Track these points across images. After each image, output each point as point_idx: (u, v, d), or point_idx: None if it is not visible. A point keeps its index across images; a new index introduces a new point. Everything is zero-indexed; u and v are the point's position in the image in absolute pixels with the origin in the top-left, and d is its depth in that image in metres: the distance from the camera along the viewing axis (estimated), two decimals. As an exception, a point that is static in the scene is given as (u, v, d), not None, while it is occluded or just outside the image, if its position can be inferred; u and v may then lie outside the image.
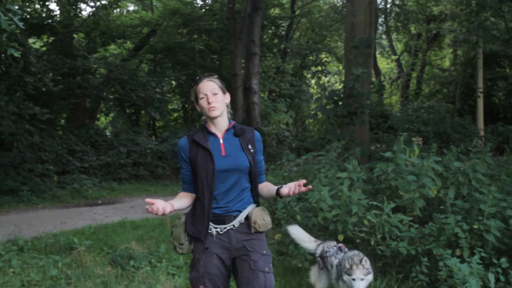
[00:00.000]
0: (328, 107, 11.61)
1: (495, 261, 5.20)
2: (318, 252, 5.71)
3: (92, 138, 20.43)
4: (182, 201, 3.78)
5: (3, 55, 5.50)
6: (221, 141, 3.74)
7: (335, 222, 6.67)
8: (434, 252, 5.72)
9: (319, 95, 26.91)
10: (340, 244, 5.55)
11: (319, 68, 30.67)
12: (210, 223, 3.70)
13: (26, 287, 6.34)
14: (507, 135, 18.93)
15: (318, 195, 6.72)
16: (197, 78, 3.83)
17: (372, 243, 6.24)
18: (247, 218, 3.76)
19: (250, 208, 3.80)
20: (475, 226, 5.68)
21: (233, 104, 24.72)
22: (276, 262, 7.57)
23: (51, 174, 17.34)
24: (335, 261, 5.31)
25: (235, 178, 3.71)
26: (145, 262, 7.48)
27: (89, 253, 7.78)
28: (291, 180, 9.99)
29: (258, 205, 3.89)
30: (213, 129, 3.77)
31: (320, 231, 7.45)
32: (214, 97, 3.67)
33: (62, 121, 22.44)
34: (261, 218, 3.75)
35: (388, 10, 31.08)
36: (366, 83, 12.43)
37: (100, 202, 15.69)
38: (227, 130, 3.79)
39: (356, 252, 5.11)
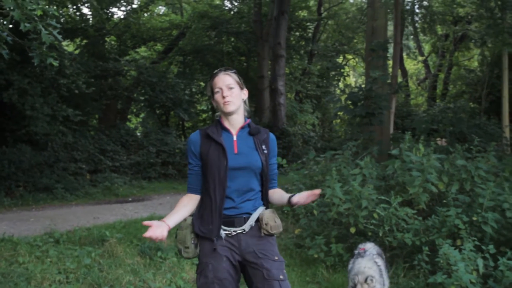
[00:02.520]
0: (351, 107, 12.05)
1: (483, 247, 5.64)
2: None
3: (123, 138, 20.92)
4: (183, 211, 3.57)
5: (40, 62, 5.98)
6: (235, 138, 3.57)
7: (348, 216, 7.13)
8: (436, 242, 6.15)
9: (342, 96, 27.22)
10: (362, 247, 5.47)
11: (339, 70, 30.87)
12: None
13: (62, 274, 6.81)
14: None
15: (331, 190, 7.19)
16: (214, 72, 3.66)
17: (380, 235, 6.71)
18: (258, 220, 3.58)
19: (261, 210, 3.62)
20: (474, 218, 6.12)
21: (259, 105, 25.16)
22: (294, 254, 8.11)
23: (83, 172, 17.81)
24: (349, 266, 5.26)
25: (246, 177, 3.54)
26: (171, 254, 7.96)
27: (120, 245, 8.23)
28: (311, 178, 10.49)
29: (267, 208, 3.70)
30: (227, 124, 3.61)
31: (335, 225, 7.92)
32: (229, 91, 3.52)
33: (94, 121, 23.03)
34: (273, 220, 3.57)
35: (415, 12, 31.17)
36: (384, 84, 12.82)
37: (130, 199, 16.09)
38: (242, 128, 3.62)
39: (363, 266, 4.91)
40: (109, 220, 11.38)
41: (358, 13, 32.08)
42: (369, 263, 4.95)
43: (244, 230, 3.52)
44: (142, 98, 24.32)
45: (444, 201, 6.82)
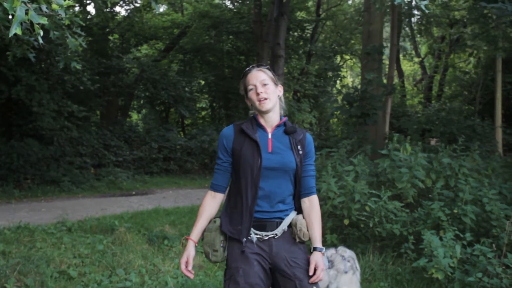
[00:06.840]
0: (347, 107, 12.63)
1: (461, 235, 6.25)
2: None
3: (125, 134, 21.58)
4: (205, 219, 3.38)
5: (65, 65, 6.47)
6: (270, 136, 3.35)
7: (342, 209, 7.73)
8: (422, 233, 6.75)
9: (339, 96, 27.60)
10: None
11: (337, 73, 31.18)
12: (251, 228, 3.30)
13: (78, 258, 7.40)
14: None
15: (327, 185, 7.80)
16: (246, 69, 3.42)
17: (371, 226, 7.32)
18: (290, 225, 3.37)
19: (294, 215, 3.40)
20: (455, 211, 6.73)
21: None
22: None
23: (88, 166, 18.47)
24: None
25: (279, 178, 3.30)
26: (177, 242, 8.57)
27: (129, 234, 8.81)
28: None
29: (299, 212, 3.46)
30: (262, 122, 3.37)
31: (330, 217, 8.52)
32: (264, 87, 3.29)
33: (95, 117, 23.49)
34: (306, 226, 3.36)
35: (412, 14, 31.46)
36: (379, 86, 13.40)
37: (134, 193, 16.66)
38: (278, 126, 3.39)
39: None
40: (116, 212, 11.96)
41: (355, 14, 32.35)
42: None
43: (276, 234, 3.32)
44: (143, 95, 24.84)
45: (430, 195, 7.44)
